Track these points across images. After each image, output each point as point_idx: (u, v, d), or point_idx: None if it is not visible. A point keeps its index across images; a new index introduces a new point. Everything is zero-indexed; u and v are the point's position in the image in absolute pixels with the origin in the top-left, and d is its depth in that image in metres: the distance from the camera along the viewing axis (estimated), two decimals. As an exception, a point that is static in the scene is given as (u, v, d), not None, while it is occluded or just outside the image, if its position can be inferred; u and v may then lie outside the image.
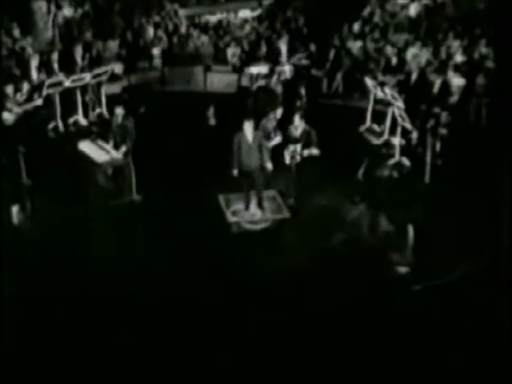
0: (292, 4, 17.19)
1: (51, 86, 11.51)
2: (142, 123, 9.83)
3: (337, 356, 6.17)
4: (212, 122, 12.43)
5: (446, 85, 11.62)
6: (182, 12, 17.52)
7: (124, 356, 6.14)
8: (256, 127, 9.01)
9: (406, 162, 10.47)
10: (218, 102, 12.62)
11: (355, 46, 14.37)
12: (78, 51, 13.46)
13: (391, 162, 10.54)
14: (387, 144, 11.15)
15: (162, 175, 9.73)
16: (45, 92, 11.40)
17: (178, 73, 14.87)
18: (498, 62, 8.14)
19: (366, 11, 15.60)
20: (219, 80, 14.53)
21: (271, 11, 17.63)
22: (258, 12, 18.02)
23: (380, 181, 10.10)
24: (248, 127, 8.61)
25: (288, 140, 9.42)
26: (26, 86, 11.58)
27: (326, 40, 14.62)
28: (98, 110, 12.68)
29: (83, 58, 13.53)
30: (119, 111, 9.19)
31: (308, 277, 7.42)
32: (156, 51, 15.26)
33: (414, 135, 10.58)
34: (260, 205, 8.94)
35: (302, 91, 12.48)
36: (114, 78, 13.61)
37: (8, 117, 10.55)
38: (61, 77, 12.15)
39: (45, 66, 12.88)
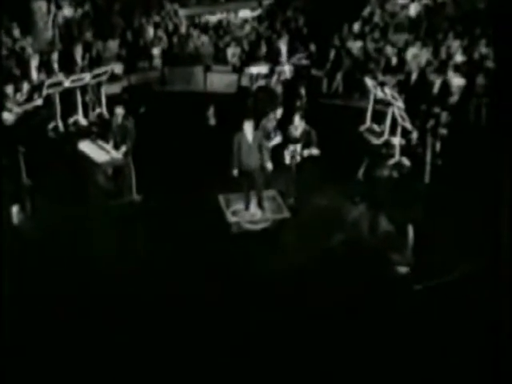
0: (292, 4, 17.16)
1: (51, 85, 11.50)
2: (142, 123, 9.83)
3: (337, 356, 6.17)
4: (212, 122, 12.42)
5: (446, 85, 11.62)
6: (182, 12, 17.48)
7: (124, 356, 6.14)
8: (256, 127, 9.01)
9: (405, 161, 10.46)
10: (218, 102, 12.61)
11: (355, 46, 14.35)
12: (78, 51, 13.45)
13: (391, 162, 10.53)
14: (387, 144, 11.14)
15: (162, 175, 9.72)
16: (45, 92, 11.40)
17: (178, 73, 14.85)
18: (498, 62, 8.12)
19: (366, 11, 15.58)
20: (219, 80, 14.52)
21: (271, 11, 17.60)
22: (258, 12, 17.98)
23: (380, 181, 10.09)
24: (248, 127, 8.61)
25: (288, 140, 9.42)
26: (26, 86, 11.58)
27: (326, 40, 14.60)
28: (97, 110, 12.67)
29: (83, 58, 13.52)
30: (119, 111, 9.19)
31: (308, 277, 7.42)
32: (156, 51, 15.22)
33: (414, 135, 10.58)
34: (260, 205, 8.94)
35: (302, 91, 12.47)
36: (113, 78, 13.59)
37: (8, 117, 10.55)
38: (61, 77, 12.14)
39: (45, 66, 12.87)
